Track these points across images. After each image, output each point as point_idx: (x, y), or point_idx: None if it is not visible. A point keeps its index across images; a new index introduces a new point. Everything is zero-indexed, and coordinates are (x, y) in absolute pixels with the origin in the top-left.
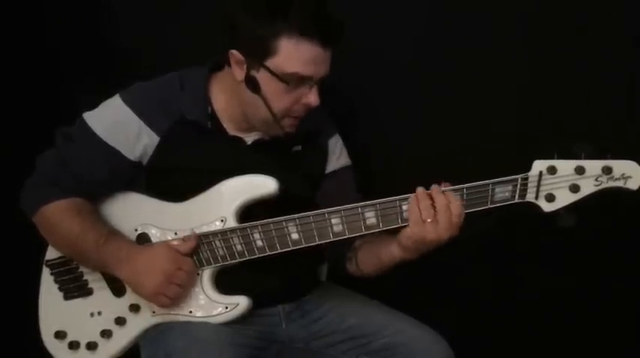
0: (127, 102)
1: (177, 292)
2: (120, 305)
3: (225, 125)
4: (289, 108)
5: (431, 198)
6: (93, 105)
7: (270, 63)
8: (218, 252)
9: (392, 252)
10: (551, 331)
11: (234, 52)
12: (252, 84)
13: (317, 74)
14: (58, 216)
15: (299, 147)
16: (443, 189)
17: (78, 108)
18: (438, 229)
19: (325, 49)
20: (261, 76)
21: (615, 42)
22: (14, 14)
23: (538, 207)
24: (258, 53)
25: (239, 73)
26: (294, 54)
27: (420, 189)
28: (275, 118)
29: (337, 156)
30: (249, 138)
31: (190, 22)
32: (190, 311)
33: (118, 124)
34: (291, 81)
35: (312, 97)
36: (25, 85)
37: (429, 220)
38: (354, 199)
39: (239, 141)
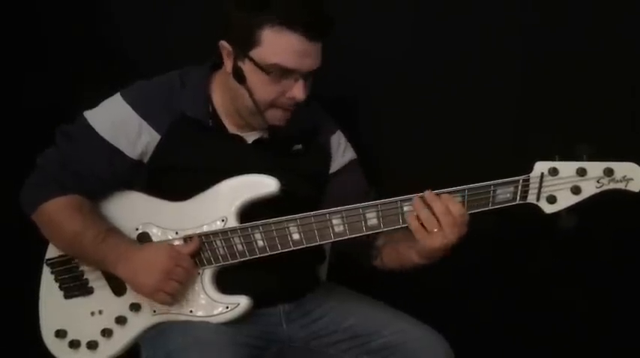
0: (128, 100)
1: (175, 288)
2: (120, 305)
3: (225, 123)
4: (274, 99)
5: (428, 205)
6: (93, 103)
7: (254, 53)
8: (219, 251)
9: (412, 258)
10: (551, 331)
11: (223, 43)
12: (238, 75)
13: (302, 67)
14: (58, 213)
15: (299, 146)
16: (437, 192)
17: (78, 107)
18: (445, 234)
19: (311, 42)
20: (246, 66)
21: (617, 42)
22: (15, 13)
23: (539, 209)
24: (244, 44)
25: (228, 65)
26: (276, 45)
27: (415, 199)
28: (258, 109)
29: (342, 153)
30: (250, 137)
31: (191, 22)
32: (191, 311)
33: (118, 122)
34: (273, 72)
35: (297, 91)
36: (25, 84)
37: (435, 230)
38: (366, 191)
39: (239, 139)
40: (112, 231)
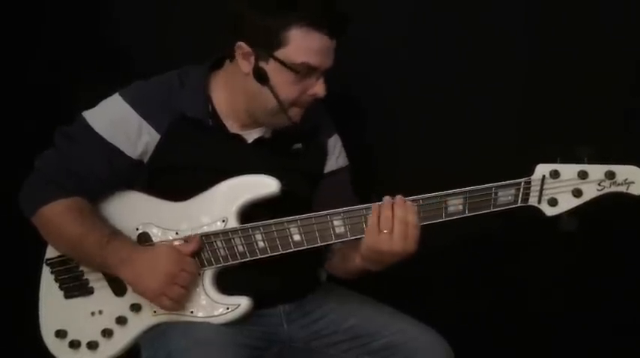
0: (127, 99)
1: (180, 293)
2: (121, 305)
3: (225, 123)
4: (297, 98)
5: (393, 208)
6: (92, 104)
7: (280, 53)
8: (219, 252)
9: (355, 260)
10: (551, 331)
11: (241, 44)
12: (260, 75)
13: (324, 65)
14: (59, 216)
15: (299, 145)
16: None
17: (77, 108)
18: (393, 240)
19: (332, 40)
20: (271, 67)
21: (618, 45)
22: (14, 13)
23: (540, 211)
24: (268, 44)
25: (246, 66)
26: (304, 44)
27: (386, 198)
28: (283, 108)
29: (336, 157)
30: (250, 137)
31: (190, 22)
32: (192, 312)
33: (118, 122)
34: (301, 71)
35: (319, 88)
36: (24, 85)
37: (385, 231)
38: (350, 200)
39: (240, 139)
40: (115, 235)
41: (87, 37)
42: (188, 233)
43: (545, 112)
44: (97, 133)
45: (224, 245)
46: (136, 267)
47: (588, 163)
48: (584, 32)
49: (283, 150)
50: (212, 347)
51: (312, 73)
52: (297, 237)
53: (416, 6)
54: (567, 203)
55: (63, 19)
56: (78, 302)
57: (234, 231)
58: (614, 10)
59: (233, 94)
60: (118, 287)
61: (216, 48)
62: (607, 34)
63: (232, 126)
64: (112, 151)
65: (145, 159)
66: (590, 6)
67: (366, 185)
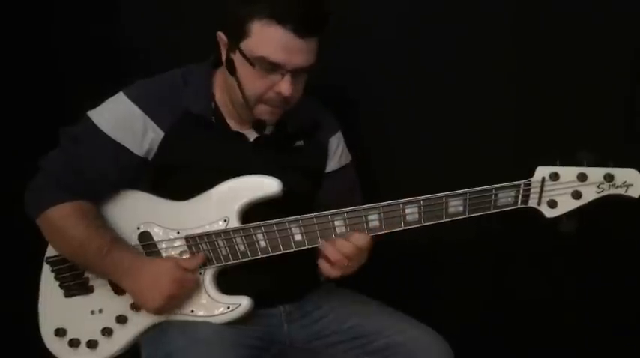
0: (131, 97)
1: (176, 306)
2: (121, 304)
3: (227, 120)
4: (261, 94)
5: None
6: (96, 103)
7: (244, 45)
8: (221, 251)
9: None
10: (551, 331)
11: (220, 34)
12: (229, 66)
13: (289, 63)
14: (63, 220)
15: (301, 142)
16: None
17: (81, 107)
18: (353, 265)
19: (301, 38)
20: (237, 58)
21: (617, 47)
22: (16, 15)
23: (540, 213)
24: (235, 35)
25: (224, 56)
26: (264, 38)
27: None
28: (246, 102)
29: (339, 155)
30: (252, 135)
31: (192, 21)
32: (192, 311)
33: (123, 120)
34: (259, 65)
35: (283, 86)
36: (27, 85)
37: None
38: (357, 196)
39: (241, 137)
40: (116, 243)
41: (90, 37)
42: (189, 232)
43: (546, 115)
44: (103, 132)
45: (225, 244)
46: (137, 281)
47: (587, 166)
48: (584, 33)
49: (284, 147)
50: (212, 347)
51: (276, 70)
52: (298, 237)
53: (417, 6)
54: (567, 205)
55: (66, 20)
56: (78, 300)
57: (235, 230)
58: (614, 10)
59: (224, 88)
60: (119, 286)
61: (218, 46)
62: (606, 35)
63: (234, 124)
64: (119, 150)
65: (150, 157)
66: (589, 6)
67: (366, 186)
